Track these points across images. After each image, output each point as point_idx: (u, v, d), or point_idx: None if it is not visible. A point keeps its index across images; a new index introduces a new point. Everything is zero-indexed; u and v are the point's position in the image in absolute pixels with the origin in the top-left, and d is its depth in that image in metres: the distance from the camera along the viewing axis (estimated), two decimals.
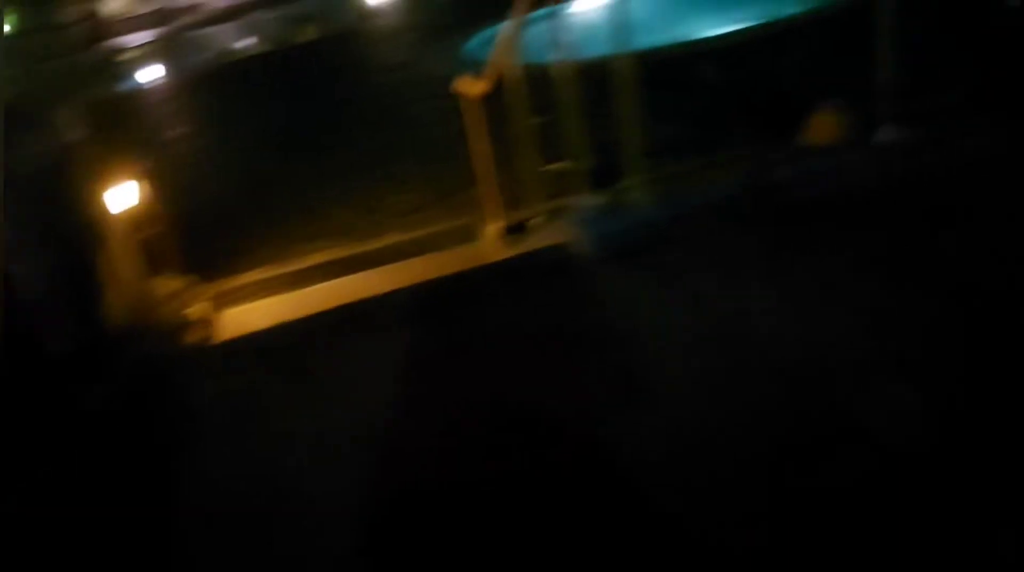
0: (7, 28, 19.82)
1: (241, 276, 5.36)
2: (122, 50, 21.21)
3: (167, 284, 4.33)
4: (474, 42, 12.15)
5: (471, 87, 4.54)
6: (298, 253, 5.80)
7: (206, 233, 6.59)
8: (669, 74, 7.85)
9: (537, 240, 4.00)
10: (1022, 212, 3.08)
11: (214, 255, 5.99)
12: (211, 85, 14.11)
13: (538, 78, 6.92)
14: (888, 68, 3.42)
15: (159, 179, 5.94)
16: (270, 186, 7.54)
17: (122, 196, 4.03)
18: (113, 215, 4.05)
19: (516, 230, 4.70)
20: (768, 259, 3.02)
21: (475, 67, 11.07)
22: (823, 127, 4.04)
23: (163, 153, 9.53)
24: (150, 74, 17.97)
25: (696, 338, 2.69)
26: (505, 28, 3.65)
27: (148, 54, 20.62)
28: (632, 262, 3.01)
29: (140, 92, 15.95)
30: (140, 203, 4.18)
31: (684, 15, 11.37)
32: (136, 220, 4.21)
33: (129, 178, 4.20)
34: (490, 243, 4.85)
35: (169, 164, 8.97)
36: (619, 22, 2.89)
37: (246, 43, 20.32)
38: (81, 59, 20.50)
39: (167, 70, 18.24)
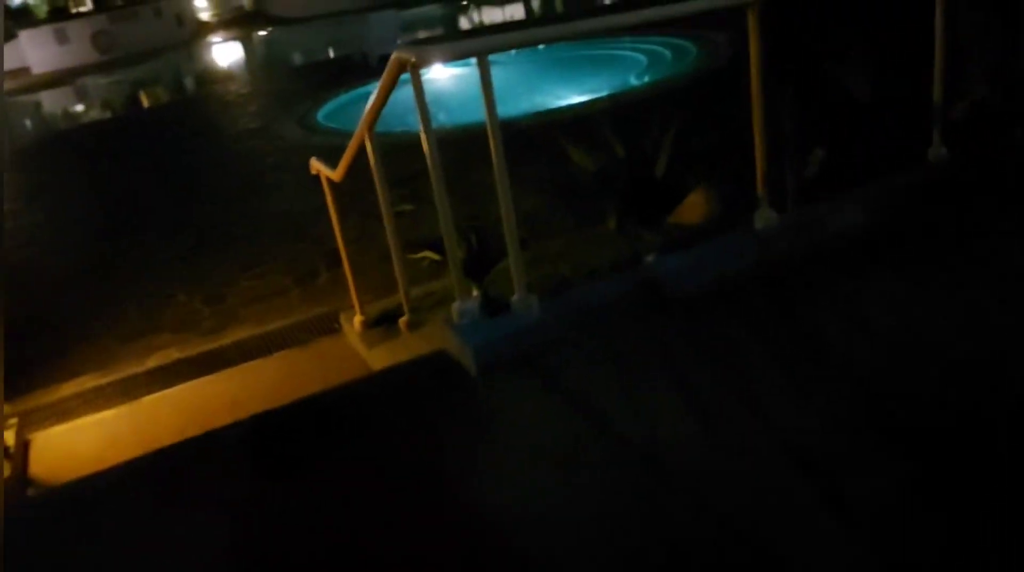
0: None
1: (62, 386, 4.64)
2: None
3: None
4: (325, 109, 11.76)
5: (328, 170, 4.14)
6: (136, 350, 5.14)
7: (24, 331, 5.78)
8: (535, 144, 7.80)
9: (403, 345, 3.61)
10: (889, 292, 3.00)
11: (30, 361, 5.22)
12: (44, 156, 12.96)
13: (404, 148, 6.65)
14: (765, 142, 3.30)
15: None
16: (105, 271, 6.76)
17: None
18: None
19: (381, 322, 4.29)
20: (664, 361, 2.75)
21: (327, 134, 10.78)
22: (695, 207, 3.90)
23: None
24: None
25: (594, 466, 2.36)
26: (368, 104, 3.28)
27: None
28: (511, 374, 2.66)
29: None
30: None
31: (544, 84, 11.46)
32: None
33: None
34: (351, 339, 4.41)
35: None
36: (486, 87, 2.55)
37: (82, 109, 19.01)
38: None
39: None
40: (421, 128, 2.76)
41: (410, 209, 6.06)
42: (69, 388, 4.58)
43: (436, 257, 3.83)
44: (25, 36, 25.16)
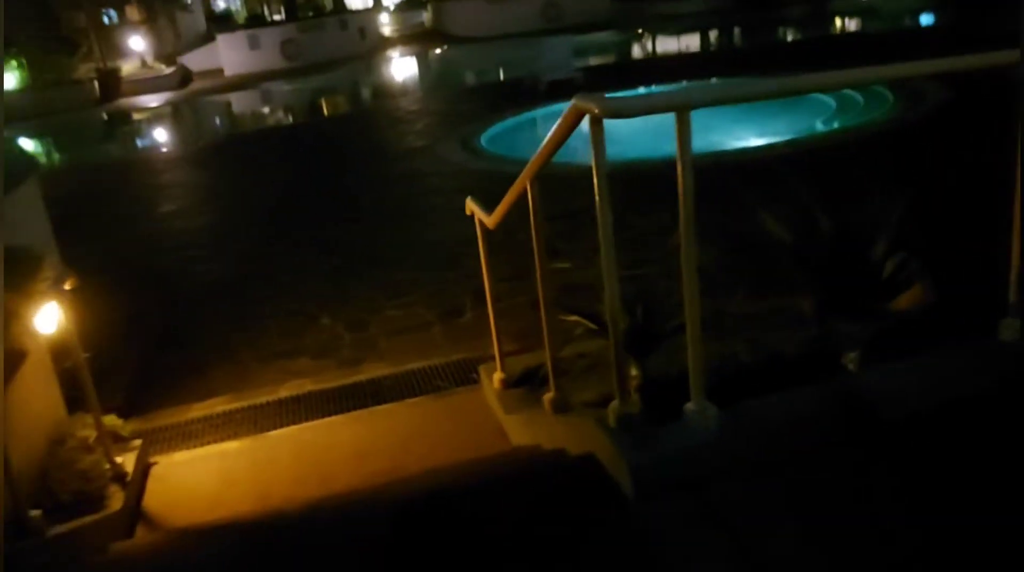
0: (17, 83, 19.45)
1: (192, 407, 4.51)
2: (134, 110, 20.89)
3: (82, 424, 3.47)
4: (489, 133, 11.59)
5: (483, 213, 3.77)
6: (273, 373, 4.98)
7: (166, 340, 5.79)
8: (710, 188, 7.17)
9: (546, 425, 3.15)
10: None
11: (168, 371, 5.17)
12: (217, 158, 13.56)
13: (560, 179, 6.26)
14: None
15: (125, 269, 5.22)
16: (255, 283, 6.74)
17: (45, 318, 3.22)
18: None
19: (523, 382, 3.87)
20: (868, 508, 2.16)
21: (488, 159, 10.57)
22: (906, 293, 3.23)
23: (144, 236, 8.85)
24: (156, 140, 17.57)
25: None
26: (538, 150, 2.88)
27: (159, 117, 20.29)
28: (674, 501, 2.16)
29: (140, 159, 15.43)
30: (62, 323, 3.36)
31: (717, 120, 10.80)
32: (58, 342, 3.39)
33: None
34: (489, 396, 4.01)
35: (146, 248, 8.26)
36: (684, 146, 2.09)
37: (264, 113, 19.97)
38: (90, 117, 20.17)
39: (175, 137, 17.82)
40: (597, 195, 2.33)
41: (566, 266, 5.63)
42: (199, 410, 4.44)
43: (592, 326, 3.37)
44: (222, 40, 26.84)
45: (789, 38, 22.26)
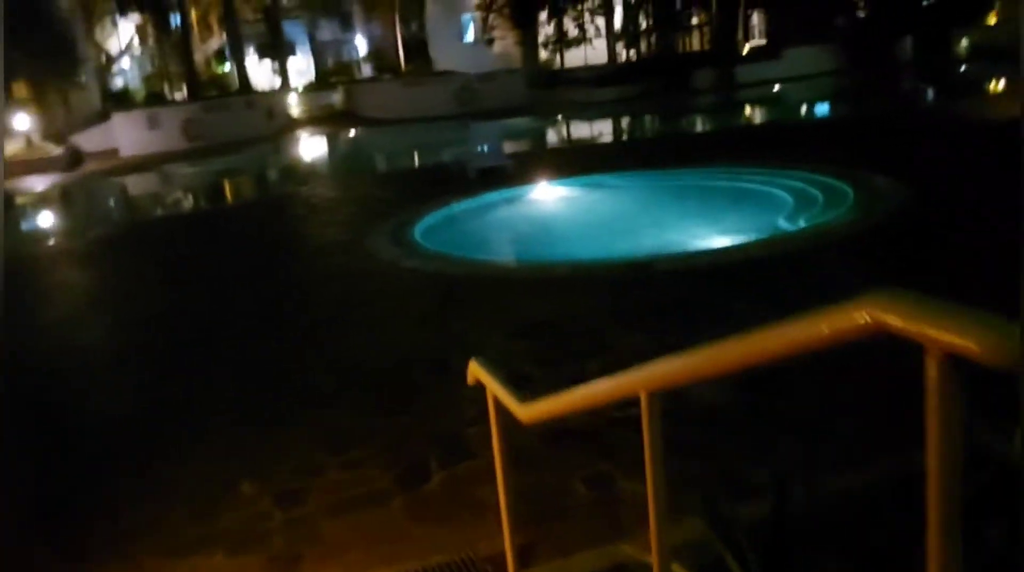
0: None
1: None
2: (17, 195, 19.00)
3: None
4: (422, 225, 10.54)
5: (511, 397, 2.68)
6: None
7: (34, 521, 4.38)
8: (671, 298, 6.31)
9: None
10: None
11: None
12: (110, 254, 12.00)
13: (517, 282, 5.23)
14: None
15: None
16: (158, 432, 5.39)
17: None
18: None
19: None
20: None
21: (426, 258, 9.52)
22: None
23: (10, 357, 7.29)
24: (39, 230, 15.76)
25: None
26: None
27: (44, 203, 18.47)
28: None
29: (17, 254, 13.67)
30: None
31: (671, 217, 10.09)
32: None
33: None
34: None
35: (12, 373, 6.74)
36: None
37: (160, 200, 18.39)
38: None
39: (62, 227, 16.07)
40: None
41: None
42: None
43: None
44: (118, 118, 25.24)
45: (701, 127, 22.33)
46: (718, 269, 7.35)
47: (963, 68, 27.91)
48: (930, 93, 24.04)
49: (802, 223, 8.67)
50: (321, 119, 31.23)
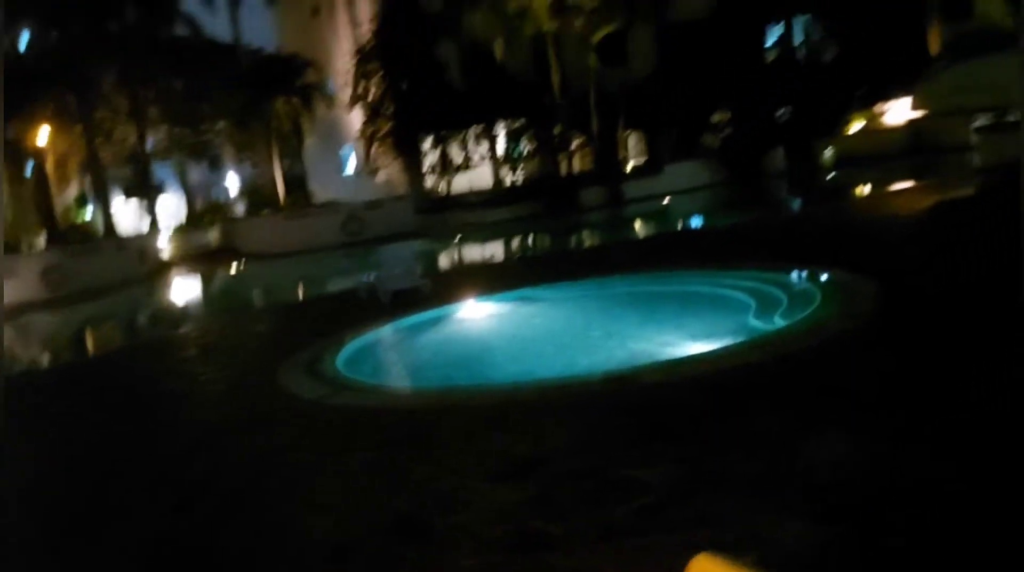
0: None
1: None
2: None
3: None
4: (343, 355, 9.16)
5: None
6: None
7: None
8: (641, 420, 5.27)
9: None
10: None
11: None
12: None
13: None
14: None
15: None
16: None
17: None
18: None
19: None
20: None
21: (359, 392, 8.14)
22: None
23: None
24: None
25: None
26: None
27: None
28: None
29: None
30: None
31: (624, 326, 9.15)
32: None
33: None
34: None
35: None
36: None
37: (16, 355, 16.08)
38: None
39: None
40: None
41: None
42: None
43: None
44: None
45: (606, 238, 22.09)
46: (716, 377, 6.38)
47: (830, 176, 29.34)
48: (801, 199, 24.86)
49: (779, 321, 7.91)
50: (199, 258, 29.43)
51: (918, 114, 30.20)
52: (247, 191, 39.34)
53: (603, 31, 30.43)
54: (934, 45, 31.08)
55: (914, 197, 17.41)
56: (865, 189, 22.56)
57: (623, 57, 32.43)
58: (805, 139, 31.53)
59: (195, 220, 34.85)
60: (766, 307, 8.65)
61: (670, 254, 14.51)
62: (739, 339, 7.65)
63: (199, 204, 39.07)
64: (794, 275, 9.65)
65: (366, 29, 33.09)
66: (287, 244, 27.58)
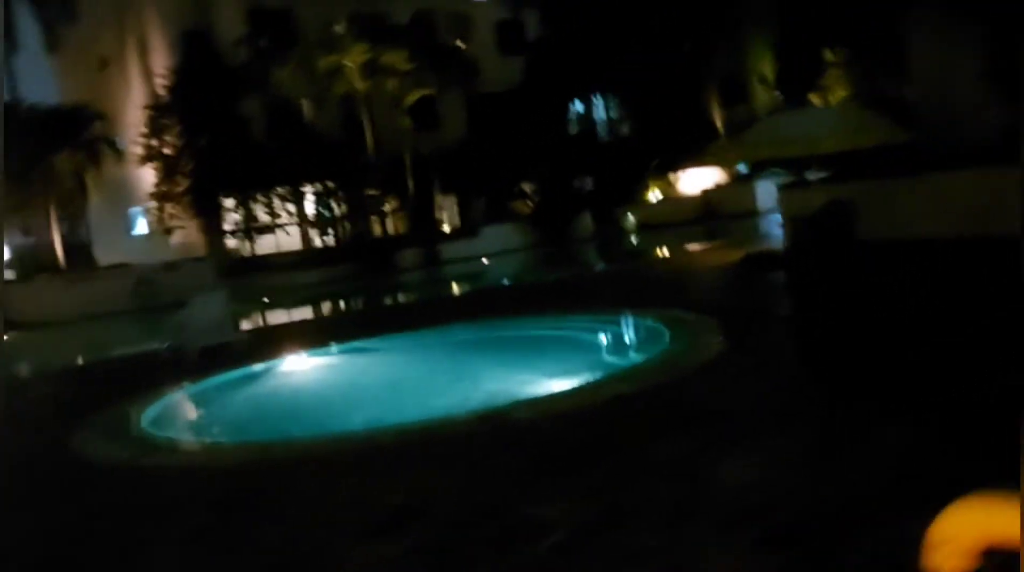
0: None
1: None
2: None
3: None
4: (149, 413, 7.86)
5: None
6: None
7: None
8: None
9: None
10: None
11: None
12: None
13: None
14: None
15: None
16: None
17: None
18: None
19: None
20: None
21: (173, 451, 6.92)
22: None
23: None
24: None
25: None
26: None
27: None
28: None
29: None
30: None
31: (472, 369, 8.52)
32: None
33: None
34: None
35: None
36: None
37: None
38: None
39: None
40: None
41: None
42: None
43: None
44: None
45: (414, 298, 21.49)
46: (592, 409, 5.94)
47: (633, 239, 30.75)
48: (612, 259, 25.72)
49: (635, 356, 7.66)
50: None
51: (713, 182, 32.66)
52: (18, 257, 35.14)
53: (415, 95, 30.42)
54: (719, 123, 33.89)
55: (712, 254, 18.48)
56: (666, 251, 23.73)
57: (436, 122, 32.64)
58: (608, 206, 33.00)
59: None
60: (618, 345, 8.42)
61: (501, 306, 14.20)
62: (599, 375, 7.31)
63: None
64: (631, 317, 9.54)
65: (161, 81, 30.98)
66: (66, 310, 24.67)
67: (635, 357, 7.69)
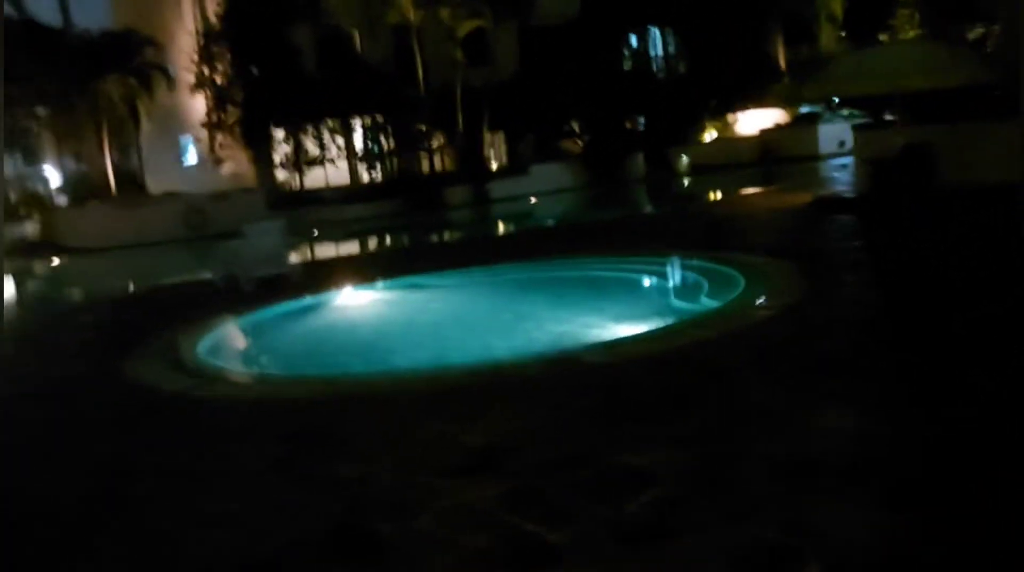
0: None
1: None
2: None
3: None
4: (205, 343, 7.73)
5: None
6: None
7: None
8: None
9: None
10: None
11: None
12: None
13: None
14: None
15: None
16: None
17: None
18: None
19: None
20: None
21: (230, 383, 6.75)
22: None
23: None
24: None
25: None
26: None
27: None
28: None
29: None
30: None
31: (543, 310, 8.21)
32: None
33: None
34: None
35: None
36: None
37: None
38: None
39: None
40: None
41: None
42: None
43: None
44: None
45: (465, 236, 21.12)
46: (670, 354, 5.60)
47: (685, 181, 29.95)
48: (665, 201, 25.07)
49: (707, 302, 7.28)
50: (13, 253, 25.98)
51: (773, 123, 31.58)
52: (71, 183, 35.44)
53: (468, 26, 29.62)
54: (781, 63, 32.56)
55: (774, 197, 17.79)
56: (716, 193, 23.04)
57: (488, 55, 31.81)
58: (661, 146, 32.10)
59: (7, 212, 30.94)
60: (687, 289, 8.04)
61: (558, 243, 13.82)
62: (668, 320, 6.95)
63: (12, 197, 34.77)
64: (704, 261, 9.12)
65: (213, 8, 30.59)
66: (118, 237, 24.84)
67: (706, 302, 7.30)
